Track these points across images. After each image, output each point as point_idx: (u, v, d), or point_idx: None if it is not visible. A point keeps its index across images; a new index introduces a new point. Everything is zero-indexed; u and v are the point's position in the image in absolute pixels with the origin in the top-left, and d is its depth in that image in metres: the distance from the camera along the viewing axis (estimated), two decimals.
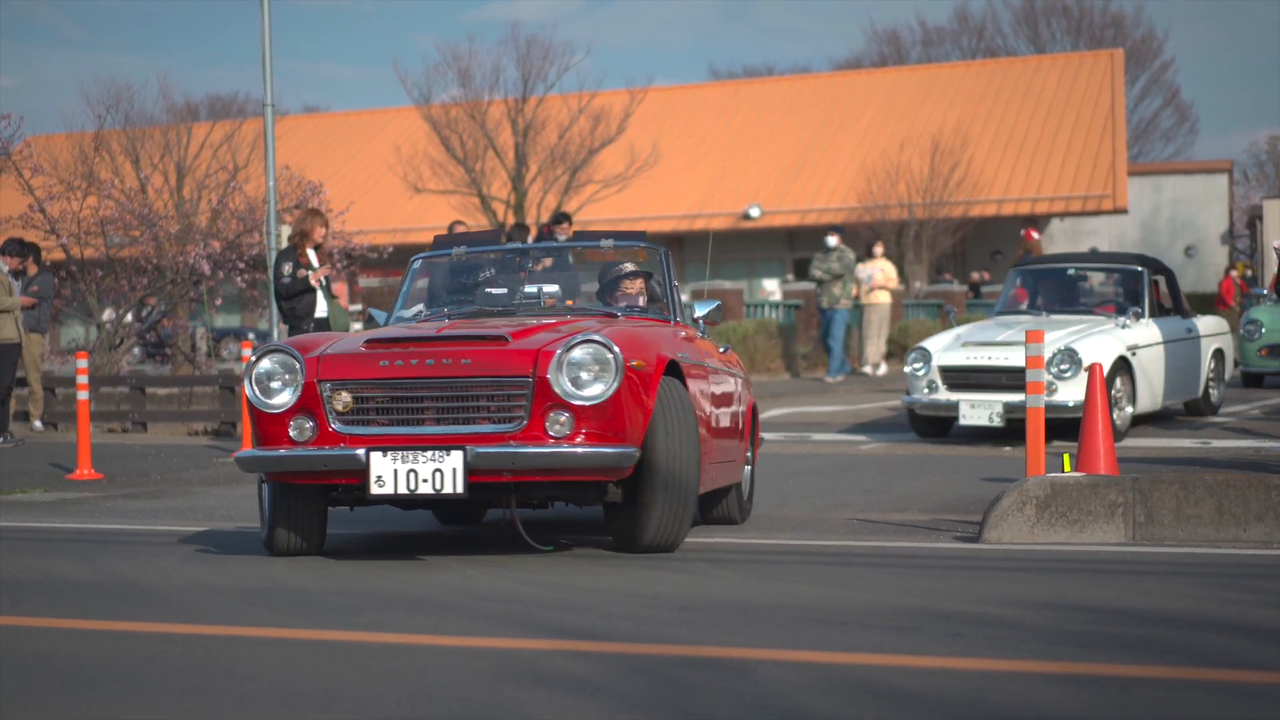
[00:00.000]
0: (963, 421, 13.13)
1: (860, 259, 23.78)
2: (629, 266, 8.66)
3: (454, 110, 36.24)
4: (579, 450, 6.82)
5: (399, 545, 8.16)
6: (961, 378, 13.29)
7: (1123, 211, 41.65)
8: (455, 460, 6.87)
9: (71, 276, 20.29)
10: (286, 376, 7.20)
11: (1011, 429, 13.33)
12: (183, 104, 32.48)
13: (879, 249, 23.85)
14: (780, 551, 7.61)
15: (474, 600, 6.19)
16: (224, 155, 25.17)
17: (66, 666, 5.05)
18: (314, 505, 7.50)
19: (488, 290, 8.77)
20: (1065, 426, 13.06)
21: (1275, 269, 13.37)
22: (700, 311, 8.42)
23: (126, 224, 20.59)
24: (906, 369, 13.66)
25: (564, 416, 6.86)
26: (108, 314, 20.17)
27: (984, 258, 42.64)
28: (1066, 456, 8.70)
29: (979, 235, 41.24)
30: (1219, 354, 15.31)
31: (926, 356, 13.54)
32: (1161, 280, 14.84)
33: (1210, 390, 15.07)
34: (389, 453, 6.95)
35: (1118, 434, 12.46)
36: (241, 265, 20.72)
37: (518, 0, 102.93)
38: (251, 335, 32.62)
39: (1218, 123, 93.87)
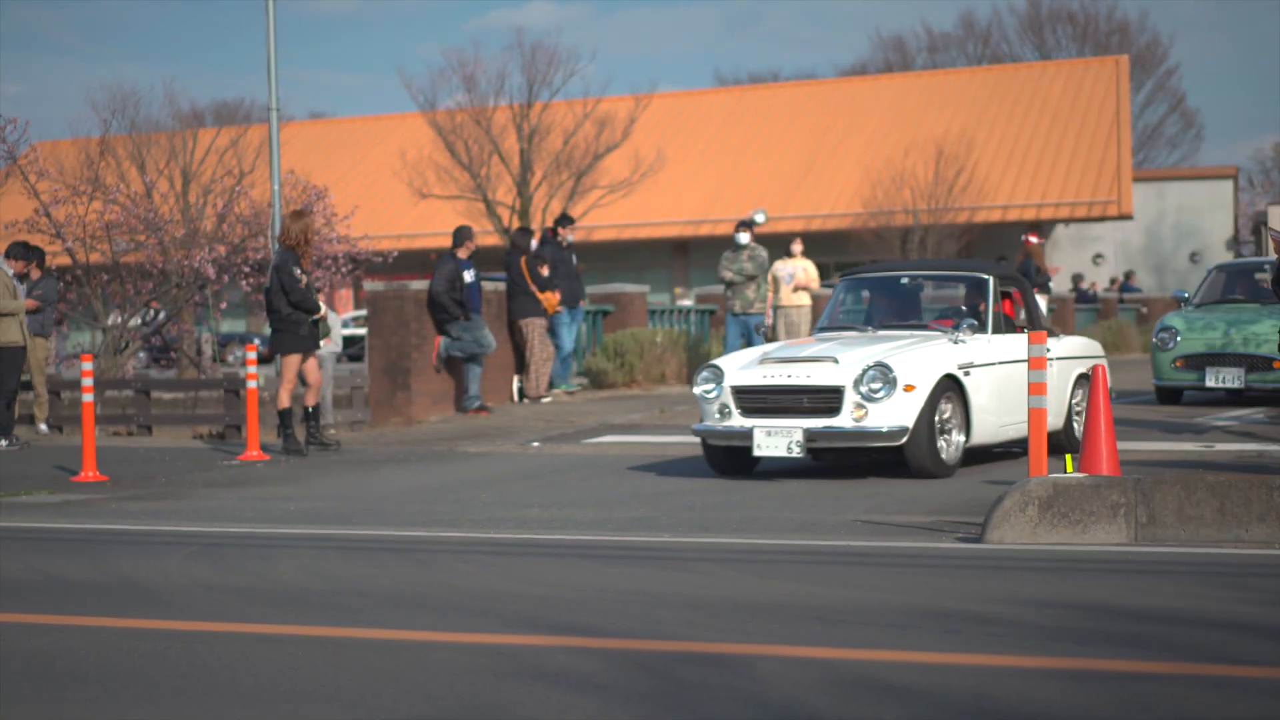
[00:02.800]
0: (758, 452, 10.81)
1: (779, 257, 21.96)
2: None
3: (459, 116, 36.29)
4: None
5: (399, 544, 8.18)
6: (758, 400, 11.00)
7: (1128, 218, 41.64)
8: None
9: (77, 281, 20.31)
10: None
11: (843, 463, 11.72)
12: (188, 110, 32.58)
13: (797, 246, 22.01)
14: (782, 551, 7.62)
15: (474, 598, 6.20)
16: (229, 160, 25.19)
17: (70, 663, 5.06)
18: None
19: None
20: (881, 458, 11.33)
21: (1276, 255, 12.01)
22: None
23: (132, 229, 20.60)
24: (695, 390, 11.29)
25: None
26: (113, 318, 20.18)
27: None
28: (1069, 458, 8.70)
29: (984, 241, 41.23)
30: (1085, 380, 12.60)
31: (718, 375, 11.19)
32: (1014, 294, 12.67)
33: (1075, 422, 12.54)
34: None
35: (945, 469, 10.79)
36: (246, 270, 20.73)
37: (522, 7, 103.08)
38: (256, 339, 32.65)
39: (1223, 129, 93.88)
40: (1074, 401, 12.64)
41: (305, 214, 14.23)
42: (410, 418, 16.57)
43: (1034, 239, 23.37)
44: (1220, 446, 12.40)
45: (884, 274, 13.12)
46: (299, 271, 13.64)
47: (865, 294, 13.14)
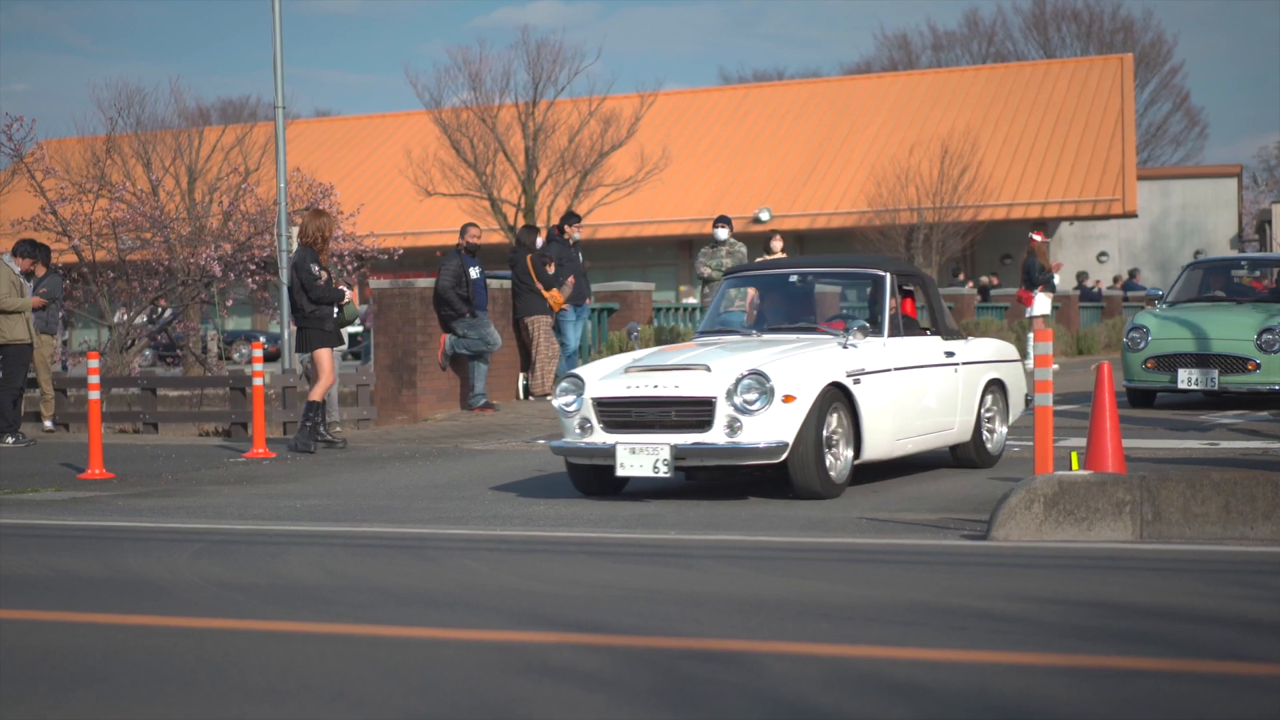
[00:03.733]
0: (621, 472, 9.67)
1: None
2: None
3: (464, 114, 36.30)
4: None
5: (405, 541, 8.20)
6: (621, 413, 9.86)
7: (1132, 215, 41.64)
8: None
9: (83, 278, 20.35)
10: None
11: (719, 483, 10.65)
12: (194, 108, 32.58)
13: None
14: (787, 549, 7.64)
15: (481, 595, 6.22)
16: (235, 158, 25.24)
17: (79, 660, 5.08)
18: None
19: None
20: (760, 479, 10.41)
21: None
22: None
23: (138, 226, 20.65)
24: (554, 402, 10.23)
25: None
26: (119, 316, 20.22)
27: (993, 261, 42.64)
28: (1074, 455, 8.71)
29: (989, 239, 41.24)
30: (997, 387, 11.71)
31: (578, 386, 10.08)
32: (917, 291, 11.72)
33: (986, 433, 11.50)
34: None
35: (833, 488, 9.69)
36: (253, 267, 20.77)
37: (527, 5, 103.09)
38: (262, 337, 32.68)
39: (1227, 127, 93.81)
40: (984, 410, 11.52)
41: (323, 213, 14.27)
42: (416, 415, 16.59)
43: (1039, 236, 23.39)
44: (1225, 444, 12.41)
45: (770, 272, 11.99)
46: (317, 268, 13.67)
47: (752, 295, 12.03)
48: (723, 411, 9.59)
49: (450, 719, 4.21)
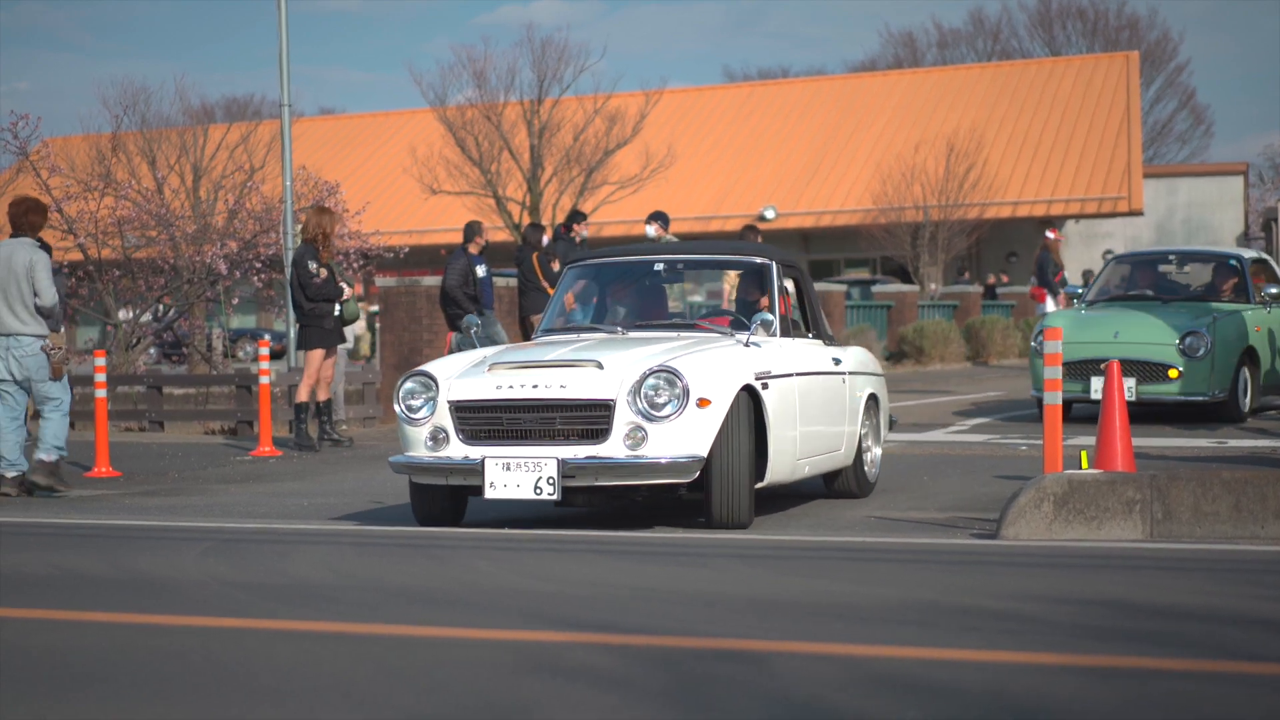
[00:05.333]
0: (493, 493, 8.04)
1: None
2: None
3: (469, 112, 36.28)
4: None
5: (413, 540, 8.17)
6: (489, 420, 8.20)
7: (1138, 214, 41.60)
8: None
9: (89, 276, 20.34)
10: None
11: (600, 509, 9.24)
12: (199, 106, 32.53)
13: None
14: (798, 548, 7.61)
15: (491, 594, 6.19)
16: (240, 156, 25.21)
17: (86, 659, 5.06)
18: None
19: None
20: (672, 504, 9.16)
21: None
22: None
23: (143, 224, 20.64)
24: (397, 408, 8.48)
25: None
26: (124, 314, 20.21)
27: (999, 260, 42.60)
28: (1084, 453, 8.69)
29: (994, 237, 41.20)
30: (875, 403, 10.15)
31: (429, 386, 8.38)
32: (791, 286, 9.81)
33: (865, 456, 9.92)
34: None
35: (746, 514, 8.21)
36: (258, 265, 20.77)
37: (531, 4, 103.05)
38: (268, 335, 32.67)
39: (1233, 125, 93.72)
40: (861, 429, 9.86)
41: (327, 210, 14.28)
42: None
43: (1053, 234, 23.37)
44: (1234, 442, 12.38)
45: (629, 259, 10.11)
46: (315, 265, 13.67)
47: (605, 287, 10.01)
48: (623, 418, 7.98)
49: (459, 719, 4.18)
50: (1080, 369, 13.70)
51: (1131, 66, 46.65)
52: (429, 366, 8.55)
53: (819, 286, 28.73)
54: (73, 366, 11.14)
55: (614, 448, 7.99)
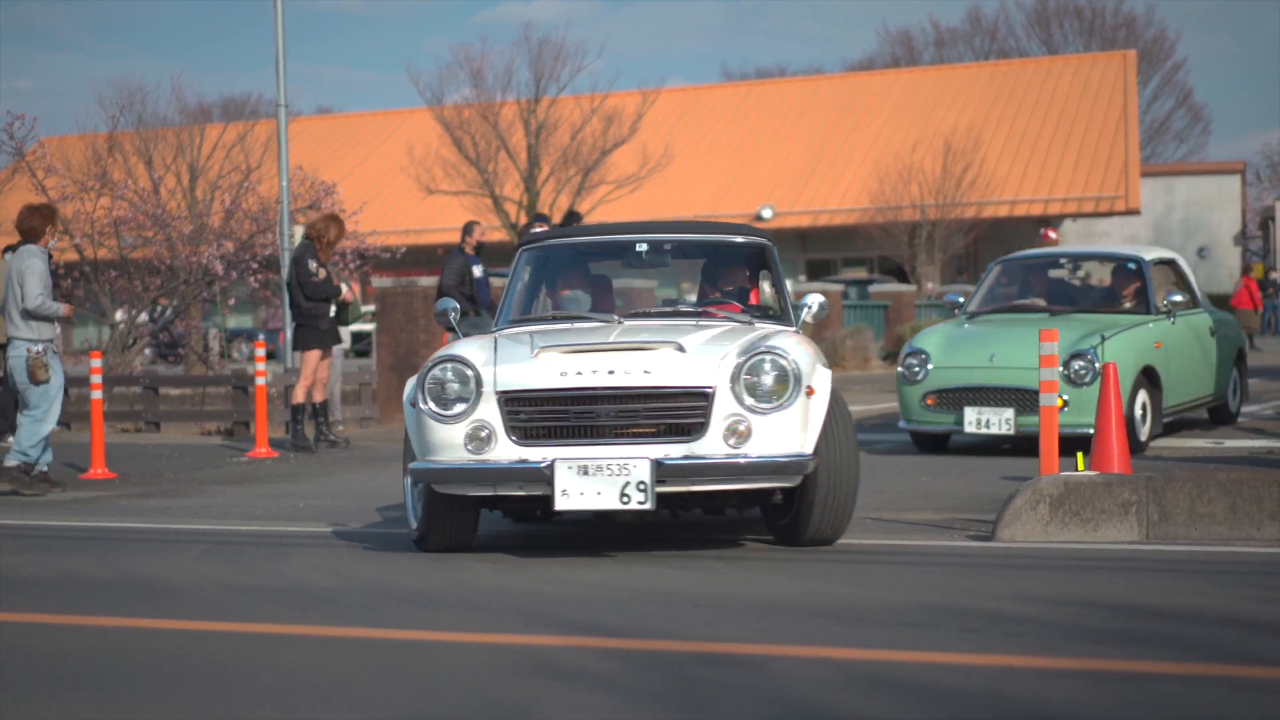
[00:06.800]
0: (565, 504, 6.81)
1: None
2: None
3: (466, 111, 36.30)
4: None
5: (414, 544, 8.17)
6: (555, 414, 6.91)
7: (1135, 213, 41.62)
8: None
9: (85, 277, 20.33)
10: None
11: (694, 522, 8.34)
12: (195, 105, 32.51)
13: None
14: (793, 550, 7.60)
15: (490, 597, 6.19)
16: (237, 156, 25.18)
17: (84, 662, 5.06)
18: None
19: None
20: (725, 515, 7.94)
21: None
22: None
23: (140, 224, 20.61)
24: (425, 405, 7.01)
25: None
26: (120, 314, 20.19)
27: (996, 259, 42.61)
28: (1080, 455, 8.69)
29: (991, 236, 41.20)
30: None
31: (467, 375, 6.98)
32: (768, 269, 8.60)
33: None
34: None
35: (840, 526, 7.35)
36: (255, 266, 20.75)
37: (530, 3, 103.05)
38: (262, 335, 32.67)
39: (1230, 124, 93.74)
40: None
41: (339, 219, 14.24)
42: None
43: (1052, 234, 23.36)
44: (1230, 443, 12.39)
45: (605, 239, 8.74)
46: (315, 264, 13.66)
47: (571, 272, 8.61)
48: (724, 409, 6.83)
49: None
50: (951, 398, 11.96)
51: (1128, 65, 46.67)
52: (459, 350, 7.10)
53: (816, 286, 28.73)
54: (52, 366, 11.12)
55: (712, 445, 6.81)
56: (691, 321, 7.75)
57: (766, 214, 42.47)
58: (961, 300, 13.39)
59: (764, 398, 6.82)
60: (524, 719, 4.18)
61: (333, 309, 13.84)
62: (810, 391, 6.92)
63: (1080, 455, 8.68)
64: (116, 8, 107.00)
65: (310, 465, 12.98)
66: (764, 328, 7.63)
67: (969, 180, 37.89)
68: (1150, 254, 13.29)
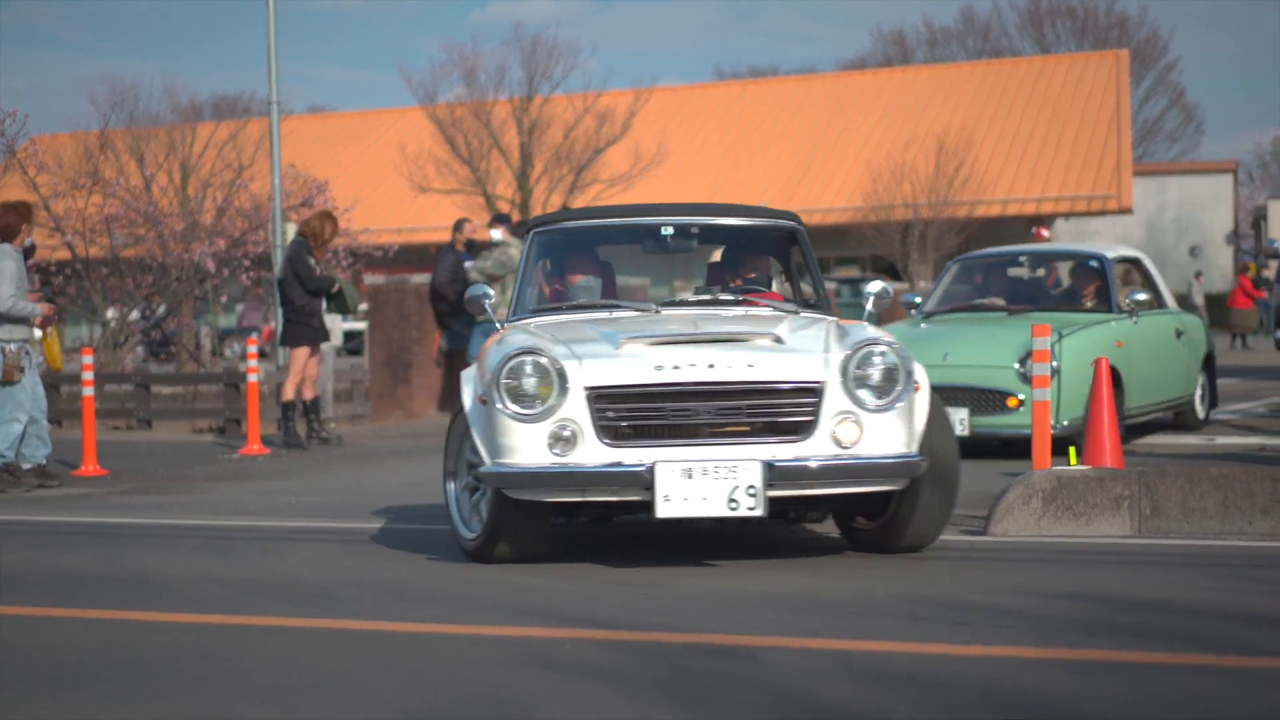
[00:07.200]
0: (667, 511, 6.31)
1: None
2: None
3: (459, 110, 36.28)
4: None
5: (403, 538, 8.17)
6: (651, 411, 6.41)
7: (1128, 212, 41.63)
8: None
9: (77, 275, 20.31)
10: None
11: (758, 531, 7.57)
12: (187, 104, 32.58)
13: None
14: (787, 544, 7.61)
15: (482, 591, 6.19)
16: (229, 154, 25.20)
17: (78, 657, 5.06)
18: None
19: None
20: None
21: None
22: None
23: (132, 222, 20.62)
24: (502, 405, 6.40)
25: None
26: (112, 312, 20.18)
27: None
28: (1073, 450, 8.70)
29: (984, 235, 41.16)
30: None
31: (549, 372, 6.44)
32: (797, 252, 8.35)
33: None
34: None
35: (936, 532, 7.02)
36: (247, 263, 20.75)
37: (522, 1, 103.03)
38: (254, 333, 32.64)
39: (1223, 123, 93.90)
40: None
41: (334, 218, 14.22)
42: (411, 411, 16.58)
43: (1045, 233, 23.36)
44: (1222, 440, 12.41)
45: (625, 222, 8.04)
46: (312, 261, 13.66)
47: (589, 258, 8.05)
48: (834, 406, 6.37)
49: (452, 714, 4.19)
50: None
51: (1121, 64, 46.69)
52: (533, 341, 6.50)
53: None
54: (28, 366, 11.12)
55: (820, 445, 6.34)
56: (740, 311, 7.33)
57: None
58: (919, 300, 13.12)
59: (875, 393, 6.39)
60: (520, 711, 4.19)
61: (324, 304, 13.84)
62: (917, 387, 6.60)
63: (1073, 450, 8.69)
64: (110, 7, 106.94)
65: (302, 462, 12.97)
66: (815, 316, 7.30)
67: (961, 179, 37.89)
68: (1113, 252, 13.08)
